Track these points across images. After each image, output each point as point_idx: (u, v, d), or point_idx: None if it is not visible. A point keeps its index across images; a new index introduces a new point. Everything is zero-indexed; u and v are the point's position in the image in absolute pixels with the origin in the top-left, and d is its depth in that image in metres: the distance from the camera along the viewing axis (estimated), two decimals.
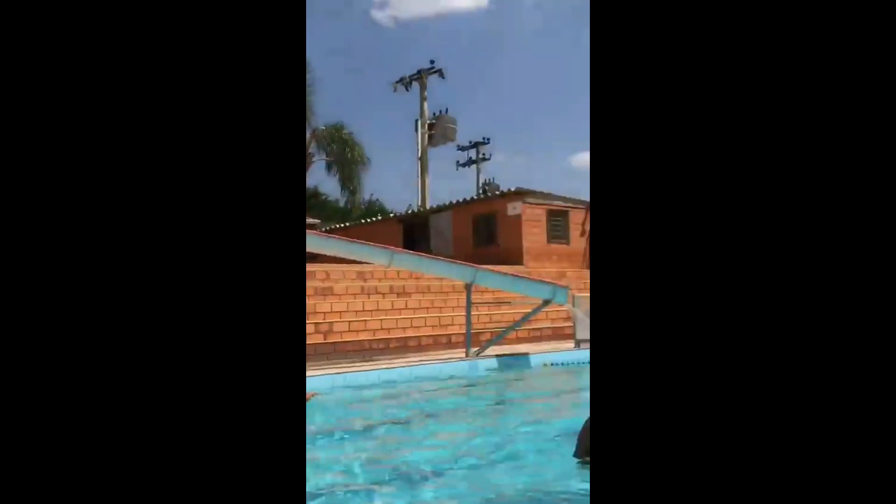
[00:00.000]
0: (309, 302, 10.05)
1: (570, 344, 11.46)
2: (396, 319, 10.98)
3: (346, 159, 22.19)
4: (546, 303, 9.86)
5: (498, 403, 6.91)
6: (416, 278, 11.90)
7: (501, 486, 3.39)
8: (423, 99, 23.98)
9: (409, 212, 19.92)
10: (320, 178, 36.60)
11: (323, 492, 3.16)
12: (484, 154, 30.16)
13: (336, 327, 10.19)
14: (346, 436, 4.81)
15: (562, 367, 9.53)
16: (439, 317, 11.52)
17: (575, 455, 3.51)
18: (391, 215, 20.92)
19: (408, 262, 9.68)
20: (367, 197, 28.91)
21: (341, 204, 26.03)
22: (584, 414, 3.60)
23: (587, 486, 3.33)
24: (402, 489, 3.32)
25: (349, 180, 22.64)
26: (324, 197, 29.24)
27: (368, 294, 11.29)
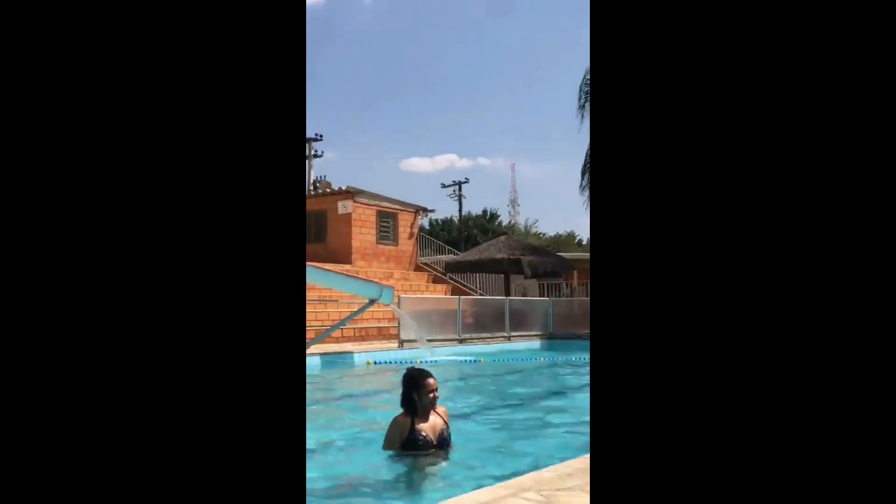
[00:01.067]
0: None
1: (395, 343, 11.74)
2: None
3: None
4: (372, 302, 10.00)
5: (319, 400, 6.97)
6: None
7: (314, 478, 3.50)
8: None
9: None
10: None
11: None
12: (316, 151, 29.90)
13: None
14: None
15: (385, 366, 9.76)
16: None
17: (383, 447, 3.72)
18: None
19: None
20: None
21: None
22: (396, 409, 3.83)
23: (394, 474, 3.54)
24: None
25: None
26: None
27: None
